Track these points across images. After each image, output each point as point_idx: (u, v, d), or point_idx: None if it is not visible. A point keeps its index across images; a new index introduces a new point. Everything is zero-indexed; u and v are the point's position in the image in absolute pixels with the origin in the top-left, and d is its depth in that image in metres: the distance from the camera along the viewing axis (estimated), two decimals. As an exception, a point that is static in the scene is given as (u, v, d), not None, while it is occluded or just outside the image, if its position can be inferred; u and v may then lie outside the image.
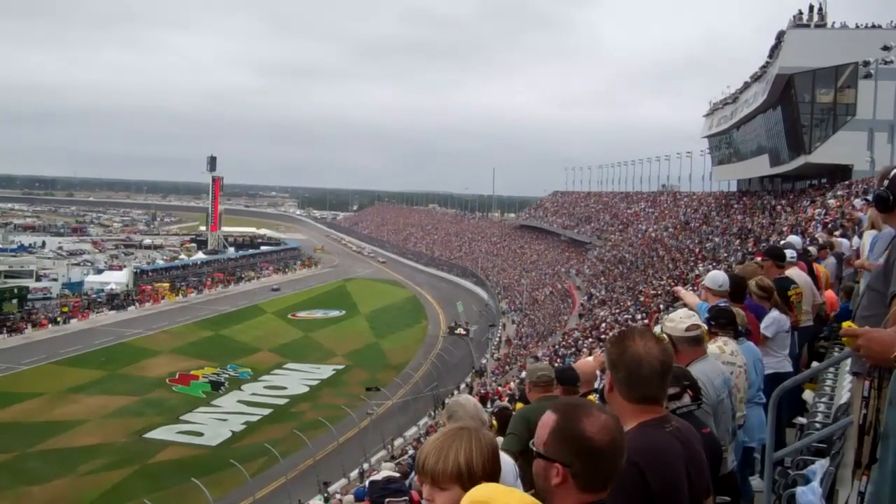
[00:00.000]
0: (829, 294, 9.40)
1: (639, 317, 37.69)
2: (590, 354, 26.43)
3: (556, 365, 33.64)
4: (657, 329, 6.44)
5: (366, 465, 42.48)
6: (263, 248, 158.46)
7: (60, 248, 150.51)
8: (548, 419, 2.55)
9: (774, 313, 7.00)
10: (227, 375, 65.54)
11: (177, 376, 64.52)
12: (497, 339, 74.51)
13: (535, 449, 2.54)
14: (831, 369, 7.11)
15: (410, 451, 38.31)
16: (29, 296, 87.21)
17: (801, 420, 6.70)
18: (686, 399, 4.04)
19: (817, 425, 5.91)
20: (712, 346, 5.46)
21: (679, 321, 4.92)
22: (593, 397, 6.20)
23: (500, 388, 47.49)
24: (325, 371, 69.05)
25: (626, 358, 3.14)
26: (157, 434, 51.34)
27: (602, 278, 67.37)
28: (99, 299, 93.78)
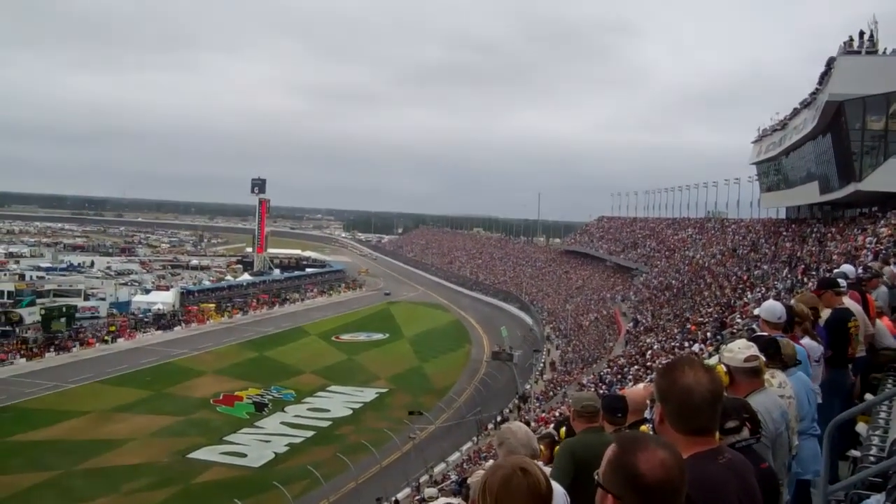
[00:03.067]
0: (887, 322, 9.16)
1: (686, 344, 37.23)
2: (636, 382, 26.12)
3: (602, 393, 33.30)
4: (713, 359, 6.33)
5: (407, 490, 42.37)
6: (308, 270, 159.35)
7: (109, 267, 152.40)
8: (608, 451, 2.53)
9: (806, 340, 6.85)
10: (270, 397, 65.77)
11: (221, 397, 64.87)
12: (541, 364, 74.06)
13: (596, 476, 2.54)
14: (885, 402, 6.95)
15: (453, 477, 38.14)
16: (77, 315, 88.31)
17: (855, 453, 6.55)
18: (745, 432, 3.95)
19: (871, 458, 5.78)
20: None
21: (738, 351, 4.84)
22: (646, 428, 6.09)
23: (544, 414, 47.16)
24: (369, 394, 69.05)
25: (675, 389, 3.07)
26: (200, 454, 51.57)
27: (648, 305, 66.74)
28: (146, 319, 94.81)
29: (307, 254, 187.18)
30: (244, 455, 51.84)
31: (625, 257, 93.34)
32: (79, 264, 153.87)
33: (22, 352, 74.78)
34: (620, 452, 2.49)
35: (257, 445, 53.66)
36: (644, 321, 61.63)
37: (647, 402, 6.83)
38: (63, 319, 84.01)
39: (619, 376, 43.21)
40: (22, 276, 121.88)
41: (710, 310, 46.44)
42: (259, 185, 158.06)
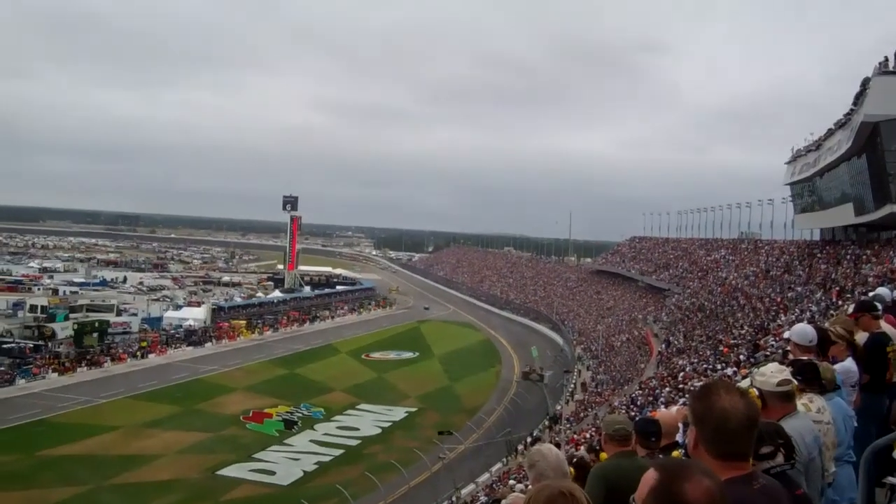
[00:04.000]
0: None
1: (718, 366, 36.89)
2: (668, 405, 25.88)
3: (634, 415, 33.04)
4: (745, 383, 6.24)
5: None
6: (339, 287, 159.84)
7: (141, 283, 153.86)
8: (649, 477, 2.50)
9: (842, 364, 6.73)
10: (300, 414, 65.86)
11: (250, 414, 65.04)
12: (572, 385, 73.67)
13: (632, 502, 2.51)
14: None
15: (483, 498, 37.95)
16: (109, 330, 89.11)
17: (892, 480, 6.41)
18: (780, 458, 3.88)
19: (909, 486, 5.66)
20: (798, 403, 5.26)
21: (770, 375, 4.76)
22: (678, 453, 6.01)
23: (574, 436, 46.85)
24: (398, 413, 68.95)
25: (711, 413, 3.03)
26: (229, 471, 51.70)
27: (680, 326, 66.28)
28: (177, 335, 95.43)
29: (338, 271, 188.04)
30: (273, 473, 51.90)
31: (657, 278, 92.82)
32: (112, 280, 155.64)
33: (54, 366, 75.40)
34: (665, 480, 2.45)
35: (286, 463, 53.70)
36: (676, 343, 61.22)
37: (680, 425, 6.74)
38: (95, 334, 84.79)
39: (651, 398, 42.90)
40: (56, 291, 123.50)
41: (743, 332, 46.05)
42: (291, 202, 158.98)
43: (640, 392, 49.91)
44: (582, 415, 59.68)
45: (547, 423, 60.96)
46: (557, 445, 36.00)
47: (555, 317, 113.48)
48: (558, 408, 66.46)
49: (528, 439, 54.75)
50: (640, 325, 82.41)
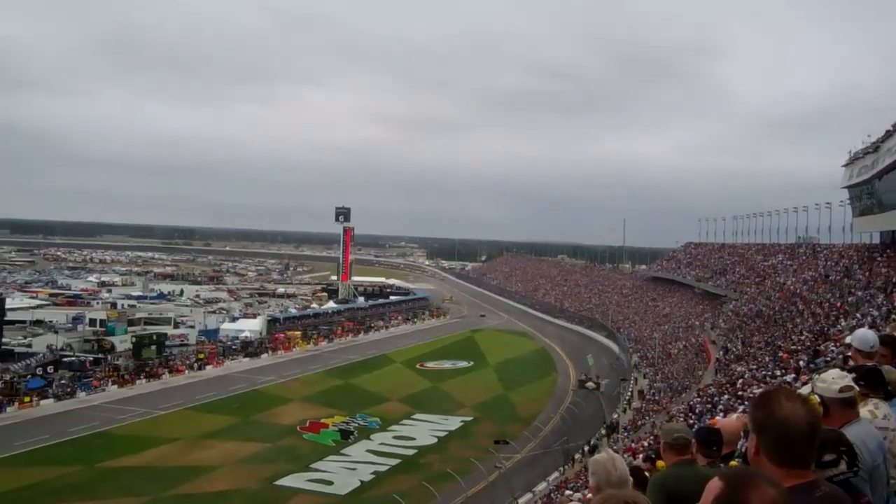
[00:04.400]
0: None
1: (778, 373, 36.31)
2: (727, 412, 25.54)
3: (692, 423, 32.67)
4: (806, 390, 6.13)
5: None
6: (392, 297, 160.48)
7: (198, 296, 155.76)
8: (713, 486, 2.48)
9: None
10: (356, 424, 66.07)
11: (307, 424, 65.39)
12: (629, 393, 73.07)
13: None
14: None
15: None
16: (167, 342, 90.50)
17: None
18: (843, 466, 3.80)
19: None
20: (863, 410, 5.14)
21: (832, 381, 4.66)
22: (736, 462, 5.92)
23: (632, 444, 46.42)
24: (454, 422, 68.86)
25: (772, 421, 2.98)
26: (287, 481, 51.94)
27: (738, 332, 65.40)
28: (233, 346, 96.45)
29: (391, 281, 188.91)
30: (330, 483, 52.07)
31: (713, 284, 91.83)
32: (169, 293, 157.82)
33: (114, 379, 76.66)
34: (730, 490, 2.43)
35: (343, 473, 53.86)
36: (734, 349, 60.41)
37: (741, 433, 6.64)
38: (153, 347, 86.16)
39: (710, 406, 42.39)
40: (114, 305, 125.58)
41: (802, 337, 45.32)
42: (344, 213, 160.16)
43: (699, 400, 49.31)
44: (639, 423, 59.13)
45: (604, 431, 60.50)
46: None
47: (610, 324, 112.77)
48: (615, 416, 65.95)
49: (586, 448, 54.40)
50: (697, 332, 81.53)
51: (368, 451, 59.16)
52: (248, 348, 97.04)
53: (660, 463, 7.17)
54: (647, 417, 59.08)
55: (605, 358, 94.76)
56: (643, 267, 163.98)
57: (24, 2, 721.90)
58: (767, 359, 46.85)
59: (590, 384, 78.88)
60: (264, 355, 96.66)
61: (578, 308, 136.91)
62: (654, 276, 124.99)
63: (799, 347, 41.97)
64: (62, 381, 72.99)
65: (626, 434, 56.96)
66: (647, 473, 7.62)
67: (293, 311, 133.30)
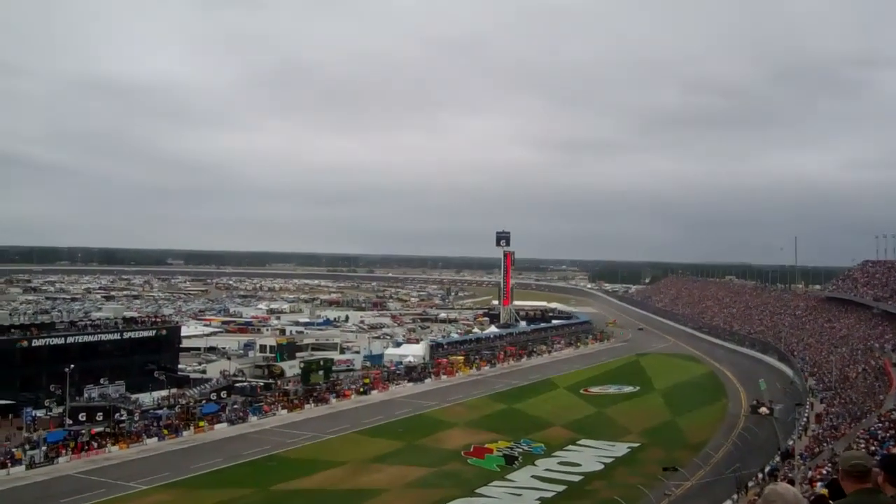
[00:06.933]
0: None
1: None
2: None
3: (874, 450, 30.71)
4: None
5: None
6: (554, 321, 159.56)
7: (362, 321, 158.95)
8: None
9: None
10: (520, 450, 65.35)
11: (471, 449, 65.11)
12: (804, 419, 69.72)
13: None
14: None
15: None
16: (333, 368, 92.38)
17: None
18: None
19: None
20: None
21: None
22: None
23: (810, 472, 44.15)
24: (620, 448, 67.25)
25: None
26: (453, 506, 51.69)
27: (923, 354, 61.61)
28: (398, 371, 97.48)
29: (553, 305, 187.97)
30: (496, 508, 51.60)
31: (894, 304, 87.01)
32: (334, 319, 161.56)
33: (283, 403, 78.64)
34: None
35: (509, 499, 53.17)
36: (919, 372, 56.90)
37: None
38: (321, 372, 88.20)
39: (893, 432, 39.99)
40: (283, 331, 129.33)
41: None
42: (504, 238, 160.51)
43: (880, 425, 46.68)
44: (816, 450, 56.25)
45: (778, 458, 57.81)
46: (791, 482, 33.88)
47: (783, 347, 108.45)
48: (790, 443, 62.99)
49: (759, 476, 52.08)
50: (876, 355, 77.36)
51: (533, 476, 58.29)
52: (412, 373, 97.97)
53: (823, 490, 6.68)
54: (824, 444, 56.18)
55: (778, 382, 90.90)
56: (817, 287, 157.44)
57: (195, 44, 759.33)
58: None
59: (763, 409, 75.65)
60: (428, 380, 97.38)
61: (749, 330, 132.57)
62: (830, 297, 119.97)
63: None
64: (235, 406, 75.40)
65: (801, 461, 54.29)
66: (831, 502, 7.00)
67: (455, 335, 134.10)
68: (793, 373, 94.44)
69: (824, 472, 39.40)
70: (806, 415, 70.88)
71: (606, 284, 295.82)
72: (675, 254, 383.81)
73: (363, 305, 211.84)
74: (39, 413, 67.26)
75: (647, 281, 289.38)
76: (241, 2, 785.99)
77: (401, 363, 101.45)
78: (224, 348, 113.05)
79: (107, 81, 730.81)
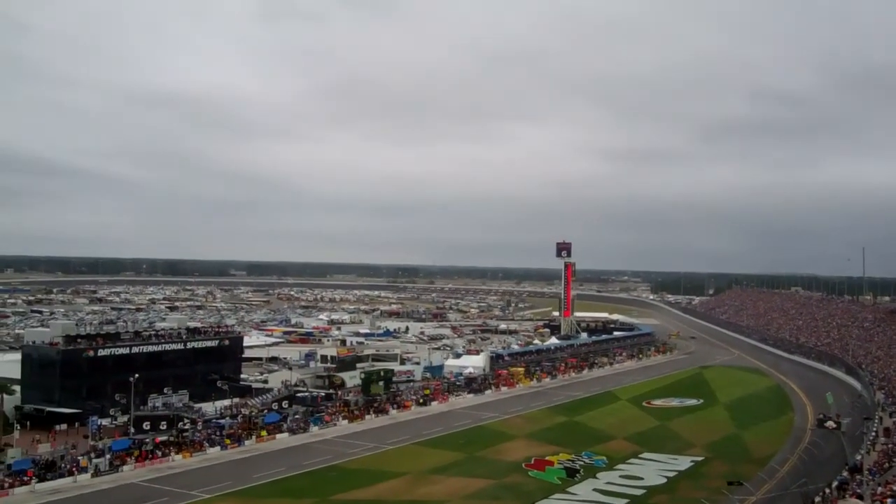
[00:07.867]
0: None
1: None
2: None
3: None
4: None
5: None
6: (616, 333, 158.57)
7: (422, 332, 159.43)
8: None
9: None
10: (581, 462, 64.66)
11: (532, 461, 64.55)
12: (873, 433, 68.07)
13: None
14: None
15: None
16: (394, 378, 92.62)
17: None
18: None
19: None
20: None
21: None
22: None
23: (880, 487, 43.06)
24: (683, 462, 66.20)
25: None
26: (513, 519, 51.32)
27: None
28: (457, 382, 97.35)
29: (614, 317, 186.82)
30: (557, 522, 51.14)
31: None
32: (395, 330, 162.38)
33: (344, 414, 78.92)
34: None
35: (570, 512, 52.67)
36: None
37: None
38: (381, 383, 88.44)
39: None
40: (344, 342, 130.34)
41: None
42: (565, 249, 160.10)
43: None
44: (886, 465, 54.85)
45: (846, 473, 56.46)
46: (860, 497, 33.06)
47: (850, 360, 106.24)
48: (858, 457, 61.51)
49: (826, 490, 50.91)
50: (949, 367, 75.29)
51: (595, 489, 57.55)
52: (472, 384, 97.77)
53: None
54: (894, 459, 54.78)
55: (845, 396, 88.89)
56: (885, 298, 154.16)
57: (256, 56, 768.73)
58: None
59: (830, 423, 73.98)
60: (488, 391, 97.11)
61: (815, 343, 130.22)
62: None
63: None
64: (296, 416, 75.77)
65: (871, 477, 52.96)
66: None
67: (515, 347, 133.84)
68: (861, 386, 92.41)
69: (895, 487, 38.40)
70: (874, 429, 69.24)
71: (669, 296, 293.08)
72: (739, 265, 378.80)
73: (423, 316, 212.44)
74: (105, 422, 68.54)
75: (710, 292, 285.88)
76: (301, 15, 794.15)
77: (461, 374, 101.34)
78: (285, 358, 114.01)
79: (169, 94, 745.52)
